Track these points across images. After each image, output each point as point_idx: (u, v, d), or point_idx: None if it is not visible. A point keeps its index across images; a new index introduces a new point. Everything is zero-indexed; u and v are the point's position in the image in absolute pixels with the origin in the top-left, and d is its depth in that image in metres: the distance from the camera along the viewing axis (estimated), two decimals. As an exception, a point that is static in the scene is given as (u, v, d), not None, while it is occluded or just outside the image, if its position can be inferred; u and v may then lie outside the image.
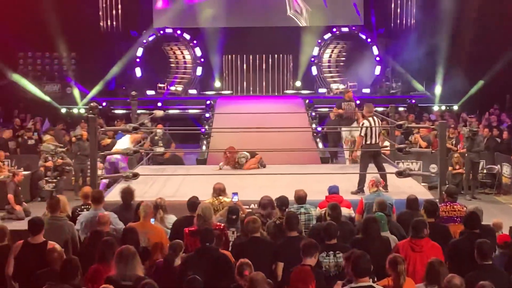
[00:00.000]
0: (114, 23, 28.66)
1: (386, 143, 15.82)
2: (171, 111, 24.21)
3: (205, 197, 10.55)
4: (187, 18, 28.11)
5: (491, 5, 25.34)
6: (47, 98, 26.35)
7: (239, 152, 15.29)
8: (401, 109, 25.04)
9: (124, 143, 14.57)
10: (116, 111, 25.71)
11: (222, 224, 9.24)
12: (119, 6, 28.49)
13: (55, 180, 15.47)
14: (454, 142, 18.88)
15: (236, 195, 10.40)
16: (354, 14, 28.39)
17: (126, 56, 27.51)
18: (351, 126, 16.77)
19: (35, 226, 8.39)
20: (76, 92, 26.76)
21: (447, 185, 11.67)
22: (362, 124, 13.38)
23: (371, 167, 13.30)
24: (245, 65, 29.00)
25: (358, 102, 24.43)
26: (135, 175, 13.12)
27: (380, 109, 20.28)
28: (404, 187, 13.06)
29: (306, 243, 7.71)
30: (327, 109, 23.05)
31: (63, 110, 26.36)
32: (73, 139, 18.12)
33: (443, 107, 26.23)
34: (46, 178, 15.58)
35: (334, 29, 28.07)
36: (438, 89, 26.64)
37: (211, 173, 14.51)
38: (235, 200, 10.33)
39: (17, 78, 26.45)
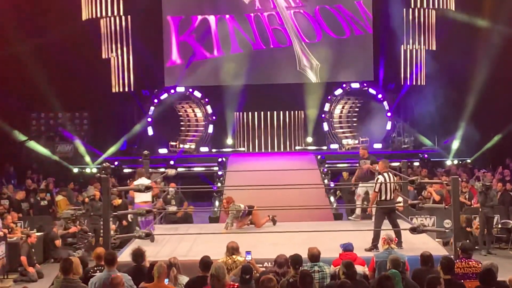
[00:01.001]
0: (126, 82, 28.92)
1: (400, 198, 15.75)
2: (183, 169, 24.27)
3: (219, 256, 10.49)
4: (198, 76, 28.36)
5: (505, 59, 25.46)
6: (58, 159, 26.52)
7: (234, 204, 15.26)
8: (416, 163, 25.02)
9: (147, 195, 14.45)
10: (128, 170, 25.75)
11: (236, 284, 9.15)
12: (131, 66, 28.78)
13: (82, 245, 15.49)
14: (467, 196, 18.79)
15: (250, 254, 10.33)
16: (364, 70, 28.57)
17: (144, 118, 27.86)
18: (368, 182, 16.45)
19: None
20: (83, 151, 26.90)
21: (462, 241, 11.56)
22: (377, 180, 13.35)
23: (386, 224, 13.22)
24: (256, 122, 29.14)
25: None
26: (148, 235, 13.08)
27: (392, 164, 20.22)
28: (419, 243, 12.95)
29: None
30: (340, 165, 23.15)
31: (75, 170, 26.46)
32: (86, 199, 18.13)
33: (456, 161, 26.14)
34: (74, 245, 15.58)
35: (344, 85, 28.24)
36: (455, 144, 26.65)
37: (224, 232, 14.46)
38: (248, 258, 10.26)
39: (29, 142, 26.73)
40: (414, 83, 28.70)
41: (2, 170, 24.89)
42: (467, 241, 13.16)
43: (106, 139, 27.32)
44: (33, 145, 26.73)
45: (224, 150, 28.27)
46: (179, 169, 22.55)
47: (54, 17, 25.82)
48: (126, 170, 25.69)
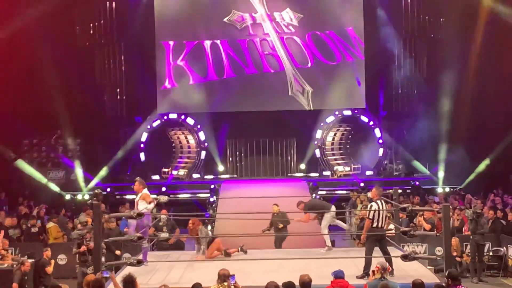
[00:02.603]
0: (119, 108, 28.97)
1: (391, 226, 15.77)
2: (175, 196, 24.26)
3: (210, 283, 10.48)
4: (191, 102, 28.40)
5: (496, 87, 25.70)
6: (51, 185, 26.48)
7: (201, 227, 15.30)
8: (408, 191, 25.07)
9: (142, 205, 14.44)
10: (120, 197, 25.68)
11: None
12: (124, 92, 28.86)
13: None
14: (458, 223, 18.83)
15: (234, 278, 10.32)
16: (356, 97, 28.67)
17: (129, 141, 27.86)
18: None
19: None
20: (80, 178, 26.86)
21: (448, 269, 11.51)
22: (371, 207, 13.36)
23: (377, 251, 13.24)
24: (249, 149, 29.17)
25: (362, 184, 24.63)
26: (140, 262, 13.05)
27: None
28: (410, 270, 12.96)
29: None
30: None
31: (68, 197, 26.39)
32: (79, 225, 18.05)
33: (447, 189, 26.15)
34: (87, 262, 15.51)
35: (336, 112, 28.31)
36: (441, 172, 26.69)
37: (215, 259, 14.45)
38: (232, 282, 10.25)
39: (21, 164, 26.66)
40: (406, 110, 28.79)
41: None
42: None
43: (98, 165, 27.26)
44: (23, 165, 26.64)
45: (217, 176, 28.26)
46: (171, 196, 22.51)
47: (49, 43, 25.90)
48: (118, 197, 25.65)
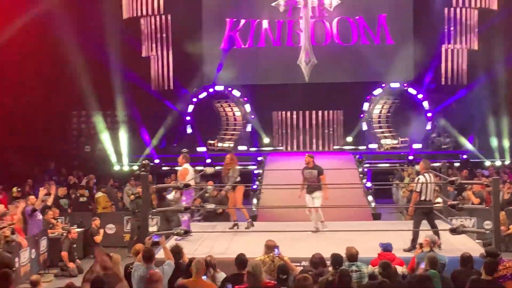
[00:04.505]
0: (165, 81, 29.07)
1: (439, 199, 15.61)
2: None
3: (255, 254, 10.50)
4: (238, 75, 28.35)
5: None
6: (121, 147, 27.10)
7: (235, 166, 15.39)
8: (456, 164, 24.76)
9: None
10: (166, 168, 25.82)
11: (273, 282, 9.14)
12: (170, 64, 28.95)
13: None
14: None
15: (277, 249, 10.31)
16: (405, 70, 28.26)
17: (175, 114, 28.01)
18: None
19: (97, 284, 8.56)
20: (122, 150, 27.17)
21: (486, 248, 11.31)
22: (418, 180, 13.27)
23: (424, 224, 13.14)
24: (295, 121, 29.07)
25: (411, 158, 24.35)
26: (187, 232, 13.16)
27: (432, 164, 20.01)
28: (458, 244, 12.86)
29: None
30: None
31: (116, 168, 26.67)
32: (131, 197, 18.26)
33: (498, 163, 25.74)
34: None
35: (384, 85, 27.97)
36: (493, 143, 26.37)
37: (262, 230, 14.47)
38: (276, 253, 10.25)
39: (97, 118, 27.12)
40: (455, 83, 28.40)
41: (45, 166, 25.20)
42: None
43: (144, 137, 27.45)
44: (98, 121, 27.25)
45: (263, 149, 28.22)
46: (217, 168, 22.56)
47: (95, 16, 26.05)
48: (164, 168, 25.80)
